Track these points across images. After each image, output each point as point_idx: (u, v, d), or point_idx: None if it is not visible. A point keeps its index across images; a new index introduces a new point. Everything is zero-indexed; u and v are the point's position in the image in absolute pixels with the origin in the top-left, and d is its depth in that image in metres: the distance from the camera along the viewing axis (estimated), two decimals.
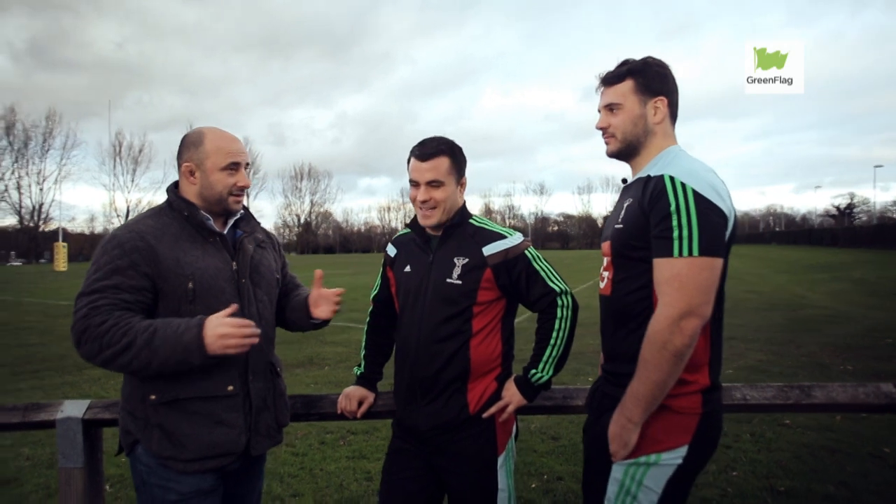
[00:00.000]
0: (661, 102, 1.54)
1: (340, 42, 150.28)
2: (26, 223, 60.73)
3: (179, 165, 1.72)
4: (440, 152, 1.77)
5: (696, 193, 1.36)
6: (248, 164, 1.77)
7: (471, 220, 1.84)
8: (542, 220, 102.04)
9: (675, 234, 1.34)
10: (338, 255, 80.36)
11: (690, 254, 1.32)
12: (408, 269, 1.85)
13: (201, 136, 1.71)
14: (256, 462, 1.85)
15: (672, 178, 1.38)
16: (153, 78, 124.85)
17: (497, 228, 1.82)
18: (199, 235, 1.67)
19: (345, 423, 4.35)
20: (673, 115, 1.58)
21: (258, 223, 1.88)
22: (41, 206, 61.25)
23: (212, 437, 1.60)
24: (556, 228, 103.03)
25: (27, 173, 59.90)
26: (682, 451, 1.42)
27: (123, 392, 1.68)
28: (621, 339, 1.52)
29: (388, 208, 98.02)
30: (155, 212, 1.70)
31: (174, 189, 1.73)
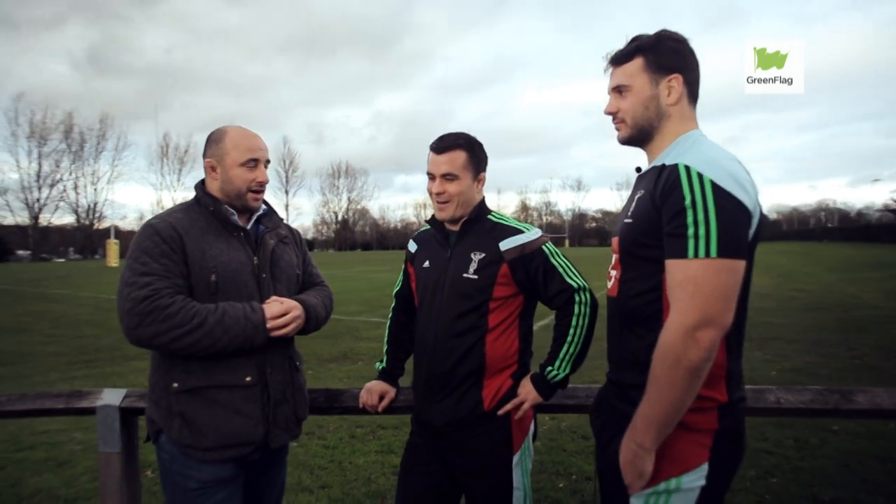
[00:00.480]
0: (676, 80, 1.36)
1: (378, 41, 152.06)
2: (82, 221, 64.08)
3: (204, 162, 1.77)
4: (457, 146, 1.77)
5: (714, 185, 1.18)
6: (268, 161, 1.80)
7: (489, 216, 1.83)
8: (580, 217, 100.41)
9: (691, 231, 1.17)
10: (374, 251, 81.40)
11: (707, 255, 1.16)
12: (427, 264, 1.86)
13: (223, 133, 1.76)
14: (278, 454, 1.90)
15: (687, 168, 1.21)
16: (198, 81, 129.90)
17: (514, 224, 1.80)
18: (224, 230, 1.73)
19: (375, 417, 4.39)
20: (692, 95, 1.40)
21: (281, 219, 1.91)
22: (95, 204, 64.56)
23: (229, 427, 1.64)
24: (593, 225, 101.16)
25: (83, 174, 63.25)
26: (703, 470, 1.26)
27: (150, 382, 1.74)
28: (627, 346, 1.38)
29: (424, 205, 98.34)
30: (184, 207, 1.76)
31: (201, 186, 1.79)
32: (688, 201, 1.19)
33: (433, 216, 1.87)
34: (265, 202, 1.86)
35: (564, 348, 1.71)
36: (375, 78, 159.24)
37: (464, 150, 1.77)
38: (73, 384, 6.27)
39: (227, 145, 1.73)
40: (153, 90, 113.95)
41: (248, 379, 1.67)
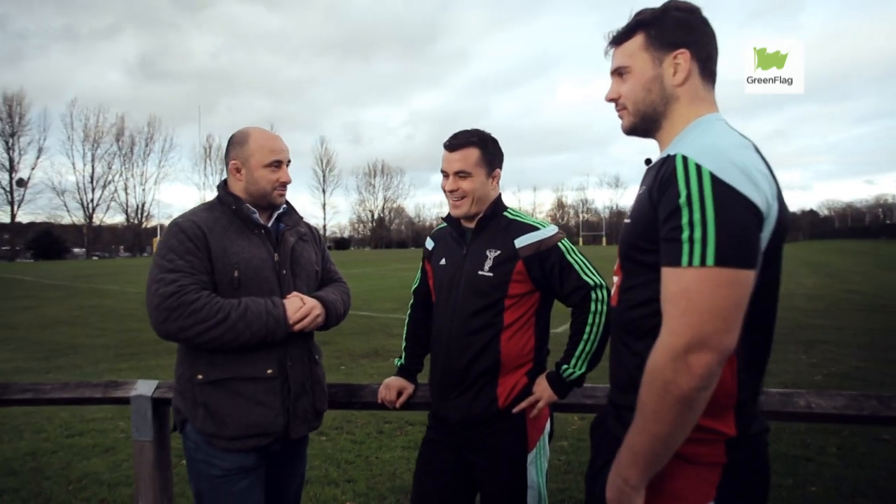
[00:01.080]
0: (683, 57, 1.16)
1: (414, 41, 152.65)
2: (132, 220, 67.01)
3: (227, 163, 1.83)
4: (469, 143, 1.77)
5: (714, 179, 0.98)
6: (289, 161, 1.85)
7: (504, 213, 1.82)
8: (617, 214, 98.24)
9: (685, 234, 0.98)
10: (410, 249, 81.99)
11: (703, 263, 0.96)
12: (443, 261, 1.86)
13: (246, 135, 1.81)
14: (298, 446, 1.94)
15: (685, 159, 1.01)
16: (241, 84, 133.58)
17: (530, 220, 1.79)
18: (246, 228, 1.78)
19: (403, 414, 4.43)
20: (706, 72, 1.20)
21: (300, 217, 1.96)
22: (143, 204, 67.32)
23: (251, 418, 1.70)
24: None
25: (132, 175, 66.07)
26: None
27: (176, 374, 1.81)
28: (623, 362, 1.21)
29: None
30: (207, 206, 1.83)
31: (223, 186, 1.85)
32: (682, 198, 1.00)
33: (449, 213, 1.88)
34: (286, 201, 1.91)
35: (580, 346, 1.69)
36: (412, 77, 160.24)
37: (476, 148, 1.77)
38: (119, 375, 6.59)
39: (252, 147, 1.79)
40: (199, 94, 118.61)
41: (269, 371, 1.72)
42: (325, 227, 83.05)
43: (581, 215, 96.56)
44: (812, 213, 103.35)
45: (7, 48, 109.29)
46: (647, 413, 1.02)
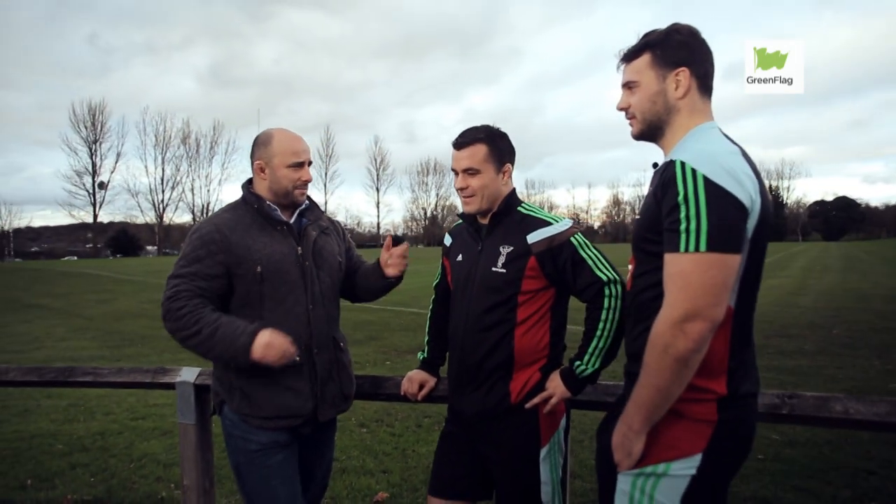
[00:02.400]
0: (683, 74, 1.37)
1: (470, 40, 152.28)
2: (198, 219, 70.73)
3: (252, 163, 1.93)
4: (476, 140, 1.78)
5: (706, 180, 1.19)
6: (311, 161, 1.93)
7: (519, 208, 1.82)
8: None
9: (683, 226, 1.19)
10: None
11: (697, 249, 1.17)
12: (460, 257, 1.88)
13: (270, 137, 1.91)
14: (326, 432, 2.03)
15: (683, 164, 1.22)
16: (301, 88, 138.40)
17: (544, 216, 1.78)
18: (268, 224, 1.88)
19: (442, 408, 4.49)
20: (704, 88, 1.40)
21: (322, 212, 2.05)
22: (208, 204, 70.89)
23: (282, 401, 1.81)
24: None
25: (198, 176, 69.89)
26: (696, 460, 1.27)
27: (214, 361, 1.93)
28: (636, 338, 1.40)
29: None
30: (232, 206, 1.94)
31: (247, 185, 1.95)
32: (681, 197, 1.21)
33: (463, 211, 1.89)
34: (308, 197, 1.99)
35: (594, 343, 1.67)
36: (466, 76, 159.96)
37: (484, 144, 1.77)
38: (179, 364, 7.00)
39: (275, 149, 1.88)
40: (261, 98, 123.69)
41: (296, 359, 1.80)
42: (378, 224, 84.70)
43: (637, 212, 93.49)
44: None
45: (96, 63, 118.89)
46: (650, 371, 1.24)
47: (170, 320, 1.75)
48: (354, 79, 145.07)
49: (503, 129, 1.85)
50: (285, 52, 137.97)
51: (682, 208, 1.20)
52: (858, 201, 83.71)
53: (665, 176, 1.26)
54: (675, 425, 1.28)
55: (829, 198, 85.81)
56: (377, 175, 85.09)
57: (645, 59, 1.40)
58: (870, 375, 5.67)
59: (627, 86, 1.44)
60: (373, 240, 77.90)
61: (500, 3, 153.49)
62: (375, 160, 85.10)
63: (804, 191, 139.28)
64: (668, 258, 1.23)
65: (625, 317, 1.65)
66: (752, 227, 1.24)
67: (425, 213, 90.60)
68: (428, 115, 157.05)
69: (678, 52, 1.37)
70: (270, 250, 1.83)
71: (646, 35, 1.43)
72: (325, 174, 78.93)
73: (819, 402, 1.65)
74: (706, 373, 1.25)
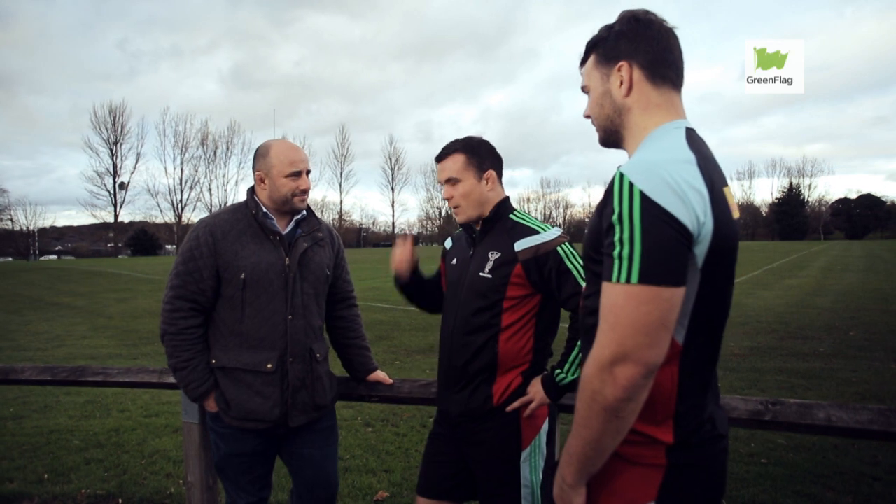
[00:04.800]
0: (623, 68, 1.20)
1: (487, 41, 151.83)
2: None
3: (254, 174, 2.01)
4: (454, 150, 1.85)
5: (643, 197, 1.00)
6: (309, 170, 2.01)
7: (511, 215, 1.86)
8: None
9: (616, 251, 1.02)
10: None
11: (629, 280, 0.99)
12: (454, 261, 1.95)
13: (268, 148, 1.99)
14: (315, 428, 2.08)
15: (622, 176, 1.04)
16: (321, 89, 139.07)
17: (534, 224, 1.82)
18: (262, 232, 1.96)
19: None
20: (658, 77, 1.20)
21: (319, 222, 2.11)
22: (226, 203, 71.80)
23: (250, 406, 1.91)
24: None
25: (215, 177, 70.94)
26: None
27: None
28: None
29: (528, 199, 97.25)
30: (234, 207, 2.03)
31: (252, 191, 2.03)
32: (615, 215, 1.03)
33: None
34: (308, 206, 2.06)
35: (574, 352, 1.71)
36: (484, 76, 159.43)
37: (461, 153, 1.84)
38: None
39: (273, 160, 1.96)
40: (282, 99, 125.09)
41: (268, 367, 1.91)
42: (393, 223, 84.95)
43: None
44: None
45: (125, 67, 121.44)
46: (578, 419, 1.07)
47: (164, 341, 1.97)
48: (374, 79, 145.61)
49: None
50: (307, 54, 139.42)
51: (617, 229, 1.02)
52: (883, 199, 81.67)
53: (609, 187, 1.08)
54: (620, 471, 1.12)
55: (853, 195, 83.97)
56: (392, 174, 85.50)
57: (591, 60, 1.27)
58: (885, 379, 5.57)
59: (584, 91, 1.31)
60: (388, 238, 78.16)
61: (518, 4, 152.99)
62: (390, 159, 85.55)
63: (826, 188, 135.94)
64: (604, 288, 1.05)
65: None
66: (703, 252, 1.04)
67: (440, 212, 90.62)
68: (445, 116, 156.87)
69: (617, 45, 1.21)
70: (257, 259, 1.91)
71: (593, 36, 1.28)
72: (341, 174, 79.68)
73: (802, 410, 1.66)
74: (648, 418, 1.08)
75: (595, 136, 1.32)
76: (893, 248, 38.30)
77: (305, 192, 1.98)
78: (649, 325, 0.99)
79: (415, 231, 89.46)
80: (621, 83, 1.21)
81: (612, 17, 1.26)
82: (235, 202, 2.08)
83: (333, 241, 2.17)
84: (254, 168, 2.01)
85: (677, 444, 1.10)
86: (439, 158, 1.87)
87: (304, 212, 2.06)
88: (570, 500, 1.14)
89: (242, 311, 1.91)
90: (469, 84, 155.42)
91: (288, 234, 2.00)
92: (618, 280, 1.01)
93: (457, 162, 1.84)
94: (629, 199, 1.02)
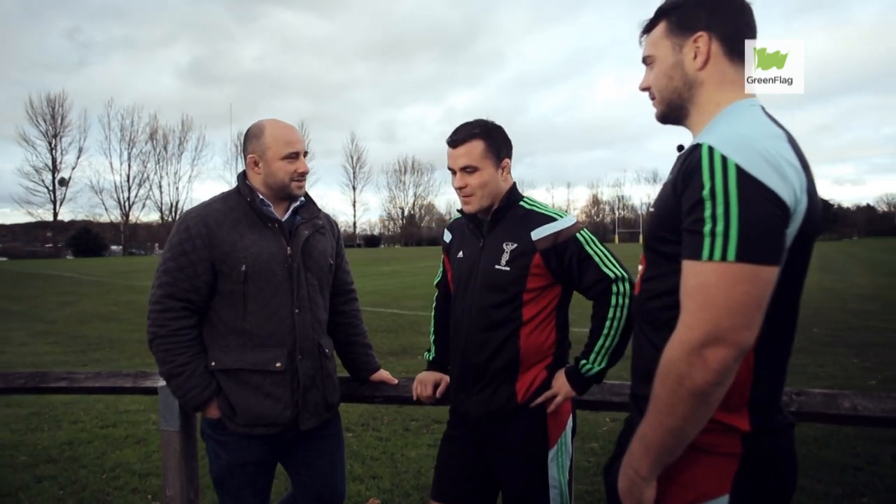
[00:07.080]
0: (701, 39, 1.13)
1: (454, 43, 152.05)
2: (166, 218, 68.76)
3: (245, 157, 1.83)
4: (472, 136, 1.69)
5: (739, 171, 0.95)
6: (306, 152, 1.85)
7: (521, 203, 1.75)
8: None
9: (707, 228, 0.95)
10: (440, 246, 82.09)
11: (724, 258, 0.94)
12: (461, 254, 1.81)
13: (262, 128, 1.81)
14: (328, 427, 1.94)
15: (711, 150, 0.98)
16: (285, 86, 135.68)
17: (548, 211, 1.72)
18: (260, 221, 1.79)
19: (429, 411, 4.41)
20: (735, 53, 1.14)
21: (318, 210, 1.96)
22: (177, 202, 69.02)
23: (260, 409, 1.74)
24: None
25: (166, 174, 67.90)
26: (723, 502, 1.05)
27: None
28: (643, 354, 1.19)
29: None
30: (224, 196, 1.84)
31: (243, 176, 1.85)
32: (706, 191, 0.96)
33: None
34: (306, 193, 1.90)
35: (600, 341, 1.62)
36: (449, 77, 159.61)
37: (481, 140, 1.69)
38: (151, 368, 6.73)
39: (268, 140, 1.79)
40: (243, 95, 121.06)
41: (277, 365, 1.74)
42: (355, 224, 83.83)
43: (617, 212, 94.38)
44: (869, 208, 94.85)
45: (73, 57, 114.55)
46: (660, 405, 1.02)
47: (152, 344, 1.78)
48: (338, 79, 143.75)
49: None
50: (271, 50, 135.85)
51: (708, 205, 0.96)
52: (831, 202, 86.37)
53: (688, 163, 1.02)
54: (696, 462, 1.06)
55: None
56: (354, 173, 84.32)
57: (660, 28, 1.19)
58: (849, 373, 5.80)
59: (645, 62, 1.23)
60: (349, 239, 77.06)
61: (485, 7, 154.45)
62: (352, 158, 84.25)
63: None
64: (688, 267, 0.99)
65: (631, 320, 1.56)
66: (794, 232, 0.99)
67: (402, 213, 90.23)
68: (409, 115, 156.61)
69: (695, 14, 1.14)
70: (257, 249, 1.74)
71: (664, 2, 1.20)
72: None
73: (827, 399, 1.64)
74: (722, 405, 1.01)
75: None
76: (843, 249, 40.72)
77: (304, 175, 1.83)
78: (746, 305, 0.94)
79: (377, 231, 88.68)
80: (695, 55, 1.14)
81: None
82: (223, 191, 1.89)
83: (333, 228, 2.03)
84: (245, 151, 1.83)
85: (754, 431, 1.06)
86: (455, 143, 1.71)
87: (303, 198, 1.89)
88: (642, 493, 1.07)
89: (244, 307, 1.73)
90: (435, 84, 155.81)
91: (287, 221, 1.84)
92: (710, 258, 0.95)
93: (475, 149, 1.69)
94: (722, 173, 0.96)
